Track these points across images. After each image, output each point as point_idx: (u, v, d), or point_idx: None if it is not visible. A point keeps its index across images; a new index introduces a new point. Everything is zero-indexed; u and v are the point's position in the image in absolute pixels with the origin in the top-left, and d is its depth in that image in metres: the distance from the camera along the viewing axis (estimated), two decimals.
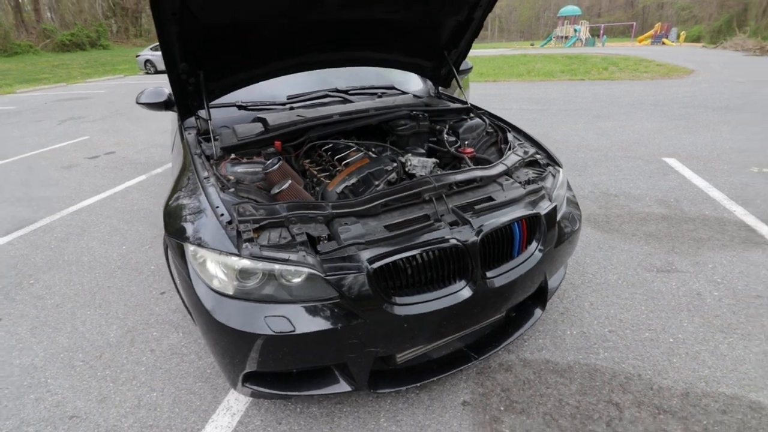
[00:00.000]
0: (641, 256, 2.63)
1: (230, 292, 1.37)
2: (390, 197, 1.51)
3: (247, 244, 1.36)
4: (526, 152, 1.94)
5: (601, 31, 27.01)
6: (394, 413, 1.65)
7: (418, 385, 1.61)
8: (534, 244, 1.64)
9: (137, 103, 2.56)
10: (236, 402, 1.73)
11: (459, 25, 2.25)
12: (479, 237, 1.44)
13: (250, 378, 1.49)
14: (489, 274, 1.50)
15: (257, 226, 1.42)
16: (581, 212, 2.01)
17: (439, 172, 1.86)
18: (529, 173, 1.80)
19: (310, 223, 1.45)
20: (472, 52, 22.19)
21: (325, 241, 1.40)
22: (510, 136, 2.14)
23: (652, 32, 25.78)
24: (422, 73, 2.66)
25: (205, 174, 1.70)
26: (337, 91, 2.52)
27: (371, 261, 1.33)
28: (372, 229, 1.44)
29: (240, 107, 2.37)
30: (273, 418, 1.66)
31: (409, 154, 1.95)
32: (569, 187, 2.06)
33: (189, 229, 1.51)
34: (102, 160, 5.45)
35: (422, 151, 2.03)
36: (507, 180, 1.74)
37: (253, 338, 1.34)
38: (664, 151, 4.64)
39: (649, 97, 7.89)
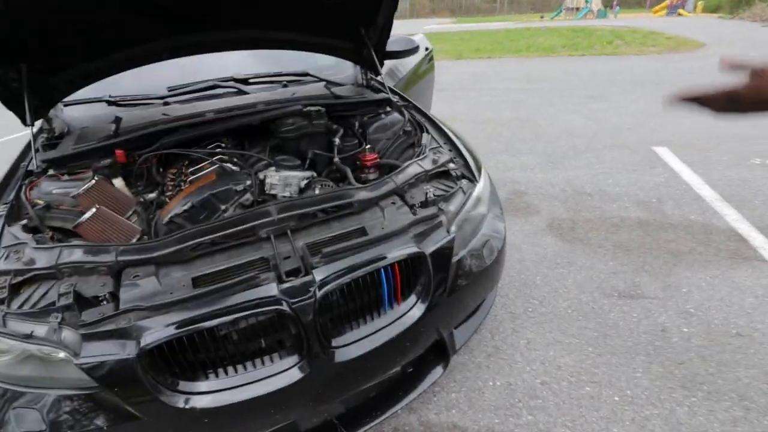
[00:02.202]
0: (603, 275, 2.19)
1: None
2: (206, 237, 1.10)
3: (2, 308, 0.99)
4: (435, 160, 1.49)
5: (615, 2, 25.48)
6: None
7: None
8: (413, 297, 1.22)
9: None
10: None
11: None
12: (317, 296, 1.03)
13: None
14: (337, 342, 1.10)
15: (20, 279, 1.05)
16: (504, 232, 1.56)
17: (290, 197, 1.43)
18: (430, 191, 1.36)
19: (90, 276, 1.06)
20: (474, 26, 21.15)
21: (106, 302, 1.01)
22: (424, 137, 1.68)
23: (667, 2, 24.22)
24: (344, 56, 2.17)
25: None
26: (233, 79, 2.06)
27: (143, 337, 0.93)
28: (172, 283, 1.04)
29: (110, 102, 1.94)
30: None
31: (272, 168, 1.51)
32: (495, 201, 1.62)
33: None
34: None
35: (294, 162, 1.58)
36: (394, 203, 1.31)
37: None
38: (656, 138, 4.10)
39: (651, 74, 7.21)
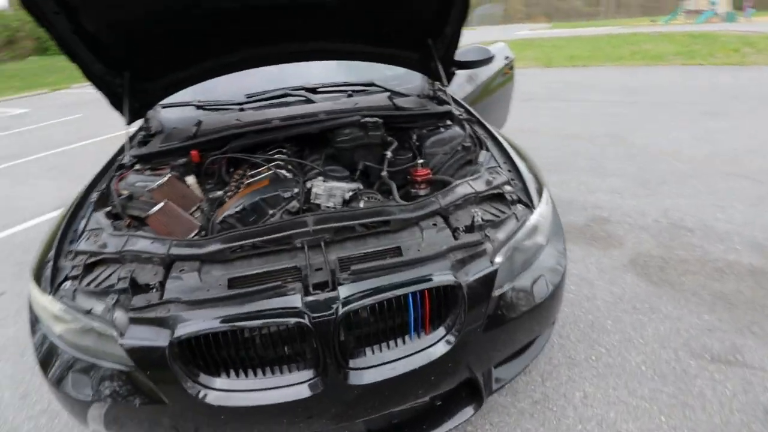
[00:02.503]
0: (695, 330, 1.84)
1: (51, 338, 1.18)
2: (245, 241, 1.13)
3: (68, 282, 1.14)
4: (489, 182, 1.37)
5: (748, 3, 21.89)
6: None
7: None
8: (441, 330, 1.12)
9: None
10: None
11: (440, 4, 1.69)
12: (338, 314, 0.99)
13: None
14: (354, 363, 1.05)
15: (94, 260, 1.18)
16: (564, 268, 1.37)
17: (332, 209, 1.41)
18: (478, 214, 1.25)
19: (146, 264, 1.16)
20: (572, 32, 19.52)
21: (156, 291, 1.09)
22: (482, 155, 1.56)
23: None
24: (411, 67, 2.12)
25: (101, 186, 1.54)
26: (303, 89, 2.14)
27: (177, 328, 0.98)
28: (211, 281, 1.09)
29: (198, 107, 2.14)
30: None
31: (320, 178, 1.50)
32: (558, 232, 1.44)
33: (36, 254, 1.33)
34: None
35: (342, 173, 1.56)
36: (435, 224, 1.22)
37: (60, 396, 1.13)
38: None
39: None
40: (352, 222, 1.18)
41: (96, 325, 1.05)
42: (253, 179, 1.50)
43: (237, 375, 1.05)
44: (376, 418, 1.29)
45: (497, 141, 1.69)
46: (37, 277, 1.20)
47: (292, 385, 1.03)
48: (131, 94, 1.74)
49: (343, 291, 1.02)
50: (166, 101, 2.08)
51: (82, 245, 1.22)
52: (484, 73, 3.15)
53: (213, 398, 1.01)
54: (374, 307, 1.04)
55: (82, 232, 1.30)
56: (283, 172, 1.51)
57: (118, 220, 1.41)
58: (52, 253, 1.23)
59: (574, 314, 2.00)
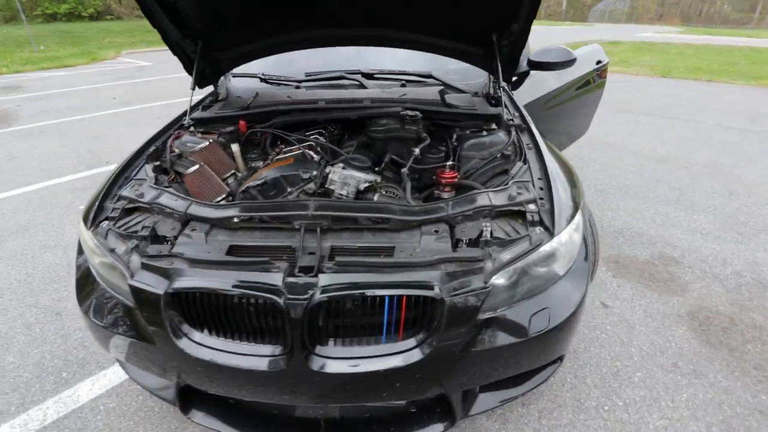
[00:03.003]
0: (742, 409, 1.57)
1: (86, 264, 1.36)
2: (251, 213, 1.20)
3: (106, 222, 1.31)
4: (512, 197, 1.27)
5: None
6: None
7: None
8: (413, 340, 1.08)
9: None
10: None
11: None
12: (312, 300, 1.02)
13: None
14: (320, 351, 1.07)
15: (131, 206, 1.35)
16: (577, 306, 1.24)
17: (338, 197, 1.43)
18: (487, 229, 1.17)
19: (168, 219, 1.29)
20: (707, 39, 16.72)
21: (169, 244, 1.22)
22: (517, 166, 1.44)
23: None
24: (472, 62, 2.02)
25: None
26: (360, 73, 2.15)
27: (174, 281, 1.09)
28: (214, 245, 1.19)
29: (262, 80, 2.27)
30: None
31: (340, 165, 1.51)
32: (583, 267, 1.30)
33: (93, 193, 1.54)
34: None
35: (364, 163, 1.54)
36: (437, 231, 1.18)
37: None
38: None
39: None
40: (350, 214, 1.18)
41: (116, 262, 1.20)
42: (281, 156, 1.57)
43: (217, 334, 1.13)
44: (350, 408, 1.32)
45: (541, 154, 1.56)
46: (87, 212, 1.39)
47: (259, 356, 1.08)
48: (202, 61, 1.89)
49: (324, 279, 1.04)
50: (236, 71, 2.25)
51: (125, 191, 1.38)
52: (571, 74, 2.90)
53: (190, 349, 1.11)
54: (349, 301, 1.05)
55: (130, 180, 1.47)
56: (311, 153, 1.55)
57: (163, 174, 1.58)
58: (101, 194, 1.41)
59: (599, 356, 1.81)
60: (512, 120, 1.77)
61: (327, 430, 1.29)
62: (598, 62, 3.10)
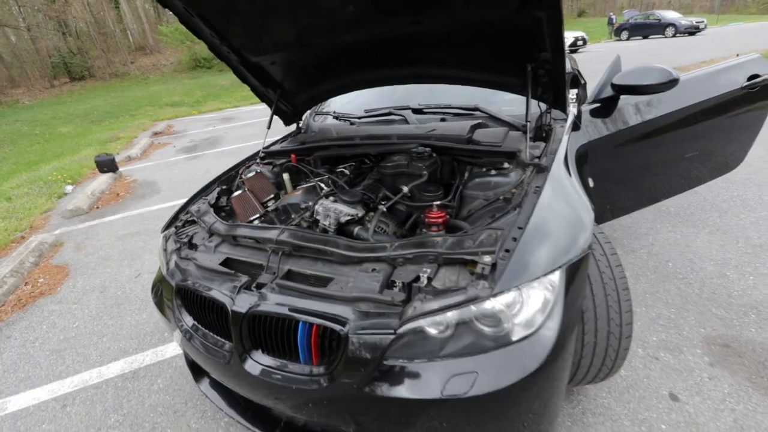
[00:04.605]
0: None
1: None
2: (239, 233, 1.50)
3: (173, 228, 1.81)
4: (468, 245, 1.20)
5: None
6: None
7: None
8: (321, 368, 1.16)
9: None
10: None
11: (534, 25, 1.47)
12: (245, 312, 1.24)
13: None
14: (254, 356, 1.27)
15: (192, 218, 1.82)
16: (523, 375, 1.07)
17: (323, 227, 1.57)
18: (425, 275, 1.16)
19: (203, 231, 1.70)
20: None
21: (195, 250, 1.61)
22: (507, 212, 1.31)
23: None
24: (516, 92, 1.90)
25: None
26: (410, 109, 2.26)
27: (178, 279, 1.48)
28: (217, 255, 1.52)
29: (334, 116, 2.60)
30: None
31: (329, 198, 1.64)
32: (544, 343, 1.12)
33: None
34: None
35: (353, 197, 1.62)
36: (375, 270, 1.23)
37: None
38: None
39: None
40: (305, 243, 1.33)
41: (164, 259, 1.65)
42: (300, 186, 1.83)
43: (198, 323, 1.45)
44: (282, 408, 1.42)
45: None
46: (169, 221, 1.92)
47: (217, 348, 1.35)
48: (281, 104, 2.33)
49: (266, 297, 1.24)
50: (317, 109, 2.65)
51: (191, 207, 1.85)
52: (714, 88, 2.33)
53: (183, 331, 1.46)
54: (272, 319, 1.21)
55: (201, 197, 1.96)
56: (322, 185, 1.76)
57: (225, 195, 2.02)
58: (180, 207, 1.92)
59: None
60: (537, 159, 1.60)
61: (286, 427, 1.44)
62: (753, 77, 2.37)
